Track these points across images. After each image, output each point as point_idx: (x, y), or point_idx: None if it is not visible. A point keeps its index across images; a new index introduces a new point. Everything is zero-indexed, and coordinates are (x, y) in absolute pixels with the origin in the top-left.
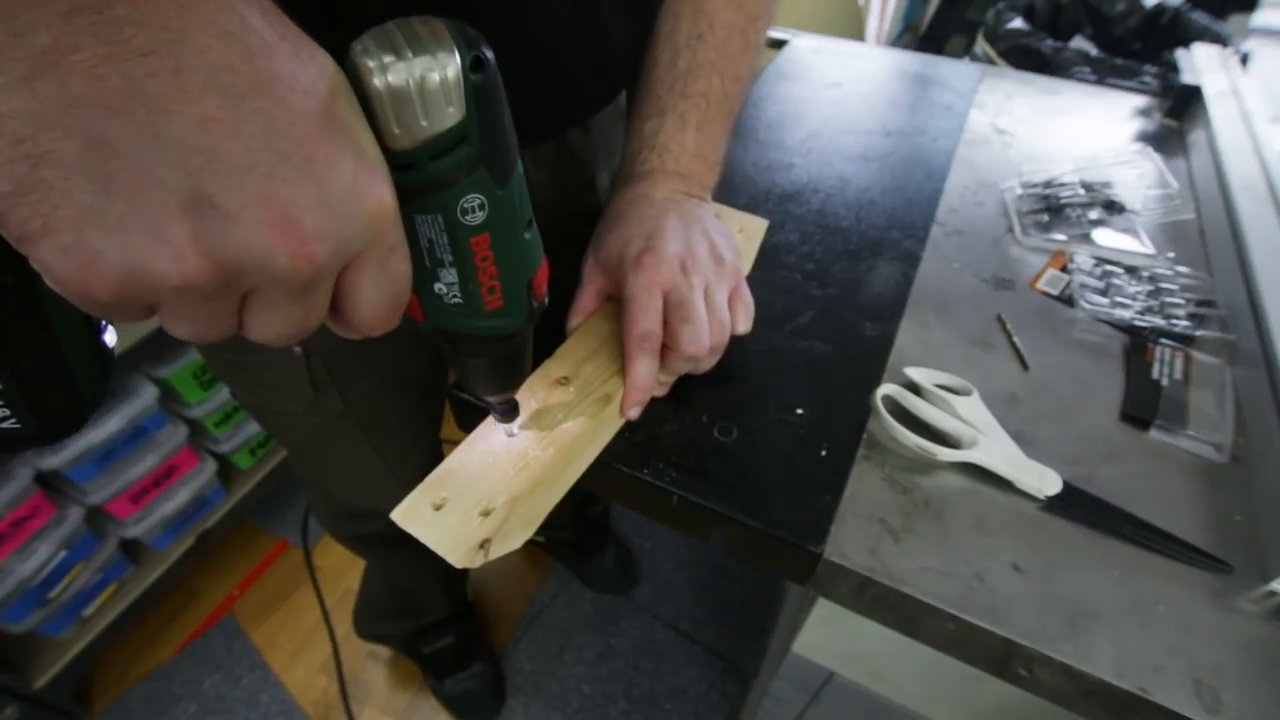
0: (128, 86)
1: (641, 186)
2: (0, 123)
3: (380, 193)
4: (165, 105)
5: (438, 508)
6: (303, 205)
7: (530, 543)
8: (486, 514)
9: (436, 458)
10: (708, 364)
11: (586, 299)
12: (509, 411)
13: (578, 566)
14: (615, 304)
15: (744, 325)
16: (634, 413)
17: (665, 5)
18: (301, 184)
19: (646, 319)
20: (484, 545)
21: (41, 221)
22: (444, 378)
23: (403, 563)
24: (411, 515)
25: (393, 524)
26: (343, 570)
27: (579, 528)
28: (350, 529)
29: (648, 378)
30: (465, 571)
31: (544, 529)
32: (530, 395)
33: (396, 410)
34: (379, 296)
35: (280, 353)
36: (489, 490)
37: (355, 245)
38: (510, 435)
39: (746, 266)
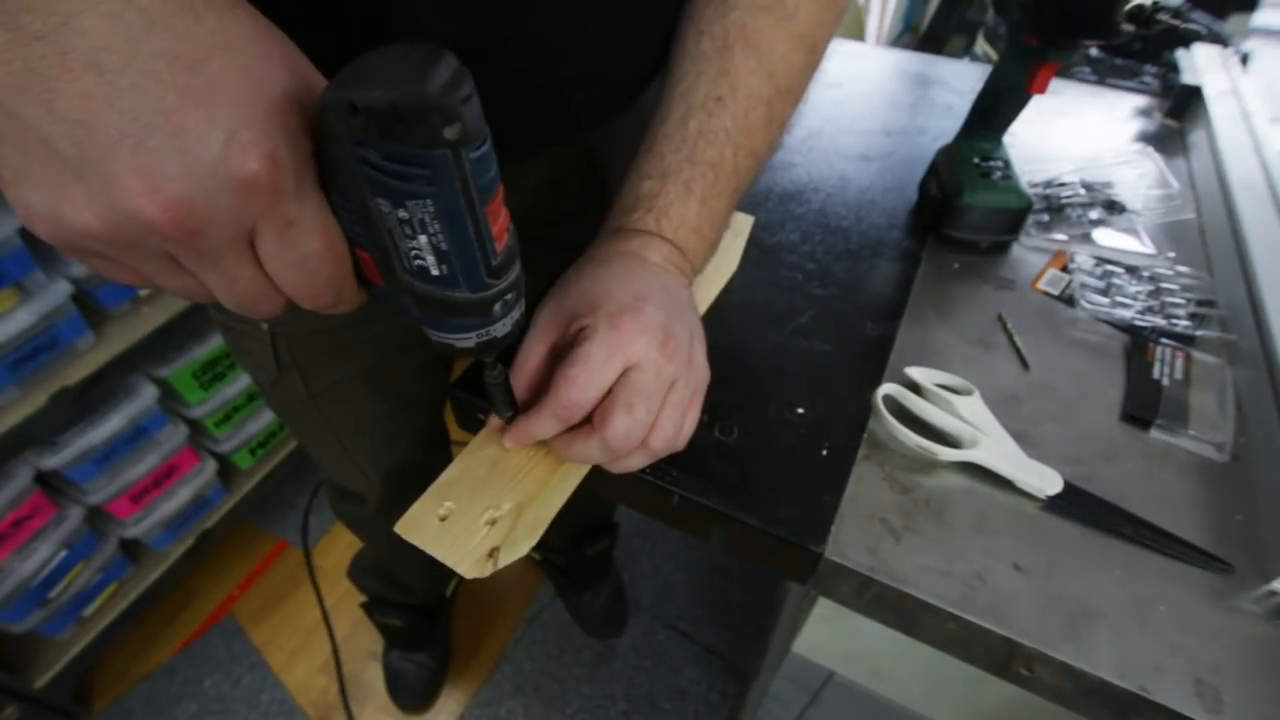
0: (26, 69)
1: (634, 244)
2: None
3: (251, 166)
4: (53, 84)
5: (442, 519)
6: (167, 175)
7: (528, 557)
8: (493, 522)
9: (418, 473)
10: (628, 464)
11: (534, 353)
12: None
13: (567, 596)
14: None
15: (684, 440)
16: (508, 442)
17: (683, 53)
18: (168, 154)
19: (582, 390)
20: (492, 554)
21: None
22: (438, 394)
23: (389, 545)
24: (416, 527)
25: (374, 510)
26: (343, 570)
27: (574, 558)
28: (338, 506)
29: (542, 433)
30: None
31: (541, 547)
32: None
33: (366, 412)
34: (285, 270)
35: (251, 324)
36: (493, 497)
37: (230, 215)
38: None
39: (734, 263)
